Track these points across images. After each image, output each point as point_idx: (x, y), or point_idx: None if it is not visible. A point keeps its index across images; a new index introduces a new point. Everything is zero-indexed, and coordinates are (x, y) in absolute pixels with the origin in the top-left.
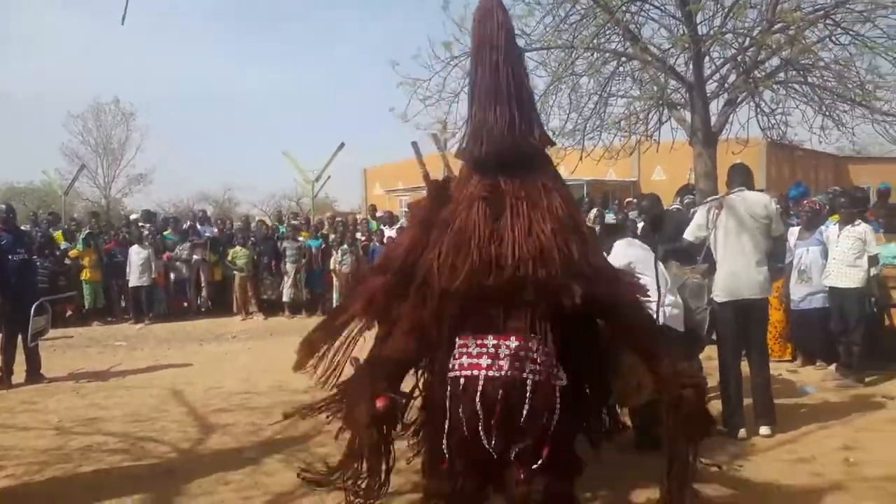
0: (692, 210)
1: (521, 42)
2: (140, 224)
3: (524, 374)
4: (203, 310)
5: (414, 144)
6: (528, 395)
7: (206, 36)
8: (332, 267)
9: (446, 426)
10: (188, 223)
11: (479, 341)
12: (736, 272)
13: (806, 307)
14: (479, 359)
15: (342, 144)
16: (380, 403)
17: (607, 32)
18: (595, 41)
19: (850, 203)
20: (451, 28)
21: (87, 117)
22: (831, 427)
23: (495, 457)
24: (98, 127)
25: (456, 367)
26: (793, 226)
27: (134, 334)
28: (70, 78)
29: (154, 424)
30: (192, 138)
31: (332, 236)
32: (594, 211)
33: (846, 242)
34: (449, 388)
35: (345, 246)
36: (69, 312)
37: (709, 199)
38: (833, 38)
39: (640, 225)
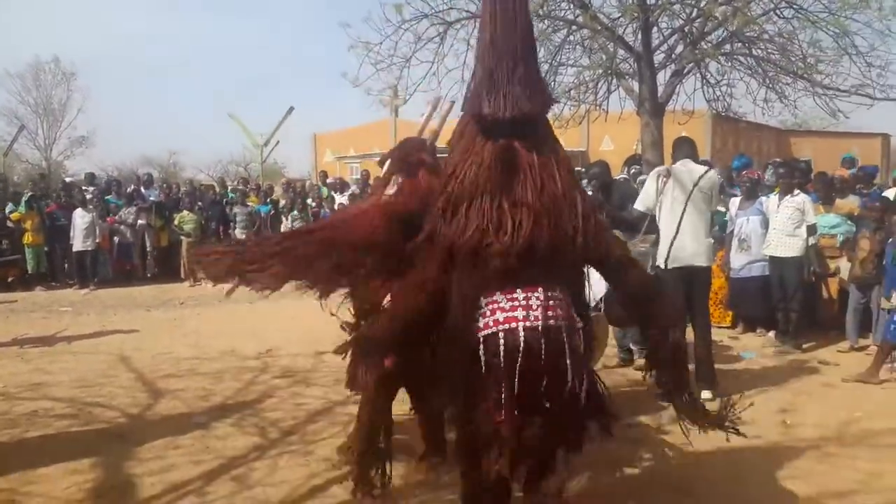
0: (639, 179)
1: (471, 8)
2: (83, 187)
3: (557, 322)
4: (149, 276)
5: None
6: (565, 340)
7: None
8: None
9: (484, 387)
10: (132, 186)
11: (508, 296)
12: (681, 240)
13: (745, 275)
14: (514, 311)
15: (291, 109)
16: (388, 362)
17: (558, 0)
18: (545, 9)
19: (789, 174)
20: None
21: (26, 76)
22: (769, 391)
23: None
24: (37, 87)
25: (490, 323)
26: (735, 196)
27: (79, 300)
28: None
29: (102, 390)
30: (137, 100)
31: (282, 202)
32: None
33: (785, 212)
34: (484, 347)
35: (295, 212)
36: (11, 277)
37: (656, 169)
38: (777, 12)
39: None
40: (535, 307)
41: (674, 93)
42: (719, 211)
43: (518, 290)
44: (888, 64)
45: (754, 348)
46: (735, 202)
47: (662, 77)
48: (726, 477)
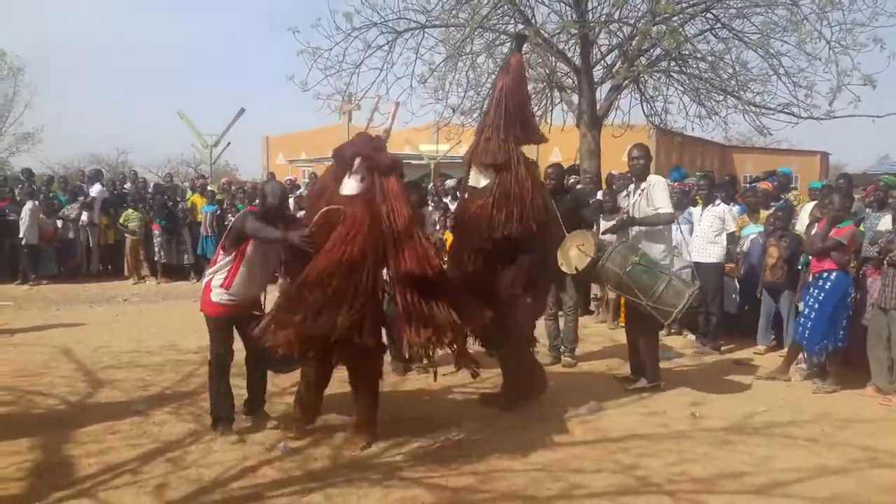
0: (577, 188)
1: (421, 19)
2: (31, 182)
3: None
4: (94, 272)
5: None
6: None
7: None
8: None
9: None
10: (77, 183)
11: None
12: None
13: None
14: None
15: (242, 110)
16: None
17: (500, 14)
18: (489, 21)
19: (709, 185)
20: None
21: None
22: (684, 387)
23: None
24: None
25: None
26: None
27: (21, 294)
28: None
29: (42, 379)
30: (85, 96)
31: (226, 202)
32: None
33: (707, 221)
34: None
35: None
36: None
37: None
38: (714, 32)
39: None
40: None
41: (612, 107)
42: None
43: None
44: (813, 85)
45: (677, 349)
46: None
47: (602, 92)
48: (636, 456)
